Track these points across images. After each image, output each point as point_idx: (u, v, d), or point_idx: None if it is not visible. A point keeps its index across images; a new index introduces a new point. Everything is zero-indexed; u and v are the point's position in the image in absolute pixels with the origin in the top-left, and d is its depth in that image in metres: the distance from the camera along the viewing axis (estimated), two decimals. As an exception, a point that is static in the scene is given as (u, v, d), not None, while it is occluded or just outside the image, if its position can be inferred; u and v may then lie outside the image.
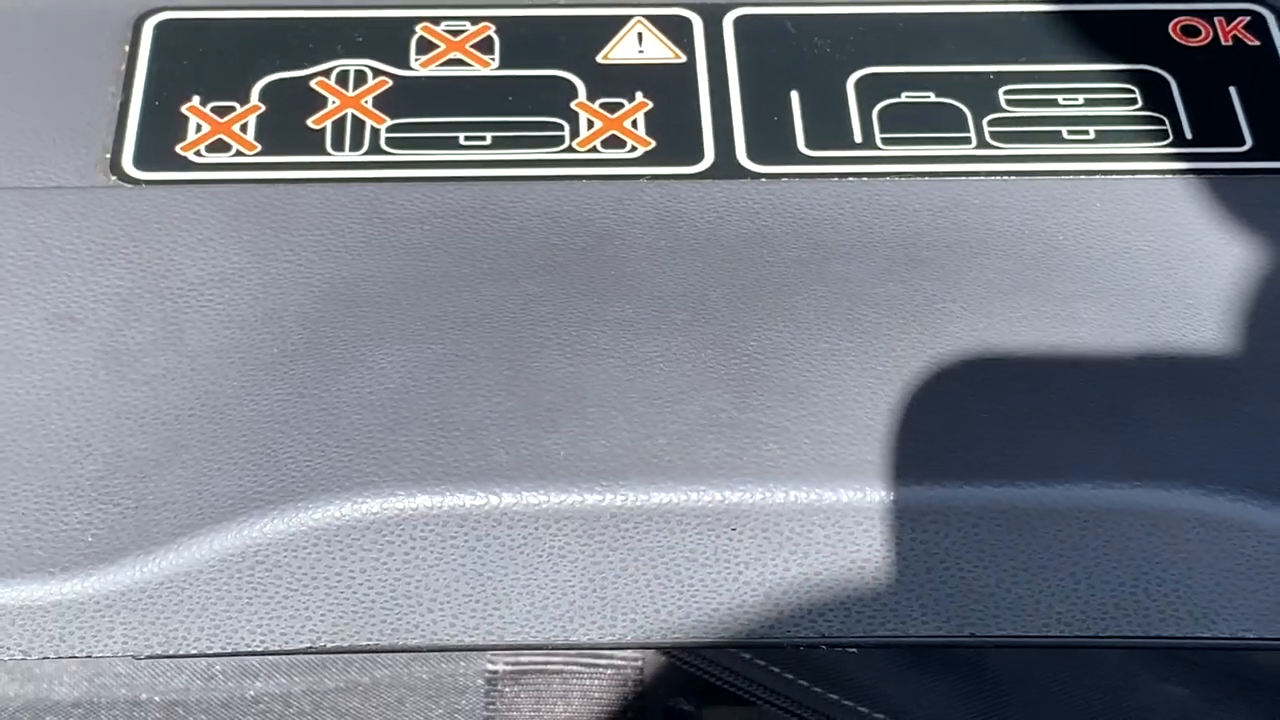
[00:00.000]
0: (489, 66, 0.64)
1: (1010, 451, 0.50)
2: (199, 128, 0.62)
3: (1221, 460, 0.51)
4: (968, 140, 0.62)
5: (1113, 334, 0.54)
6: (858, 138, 0.62)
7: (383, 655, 0.61)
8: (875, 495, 0.49)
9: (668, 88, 0.64)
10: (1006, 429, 0.51)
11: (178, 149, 0.61)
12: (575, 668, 0.61)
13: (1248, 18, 0.66)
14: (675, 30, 0.65)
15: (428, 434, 0.50)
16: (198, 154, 0.61)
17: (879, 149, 0.62)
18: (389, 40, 0.65)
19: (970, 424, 0.51)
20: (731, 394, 0.51)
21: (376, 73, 0.64)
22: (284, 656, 0.60)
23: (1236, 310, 0.55)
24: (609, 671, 0.61)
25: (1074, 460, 0.50)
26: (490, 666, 0.61)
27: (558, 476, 0.49)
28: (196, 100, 0.63)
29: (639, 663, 0.61)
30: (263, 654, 0.49)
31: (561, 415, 0.51)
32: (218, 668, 0.60)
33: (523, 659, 0.61)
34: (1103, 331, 0.54)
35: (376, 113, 0.62)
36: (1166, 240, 0.57)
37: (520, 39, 0.65)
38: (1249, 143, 0.62)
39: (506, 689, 0.61)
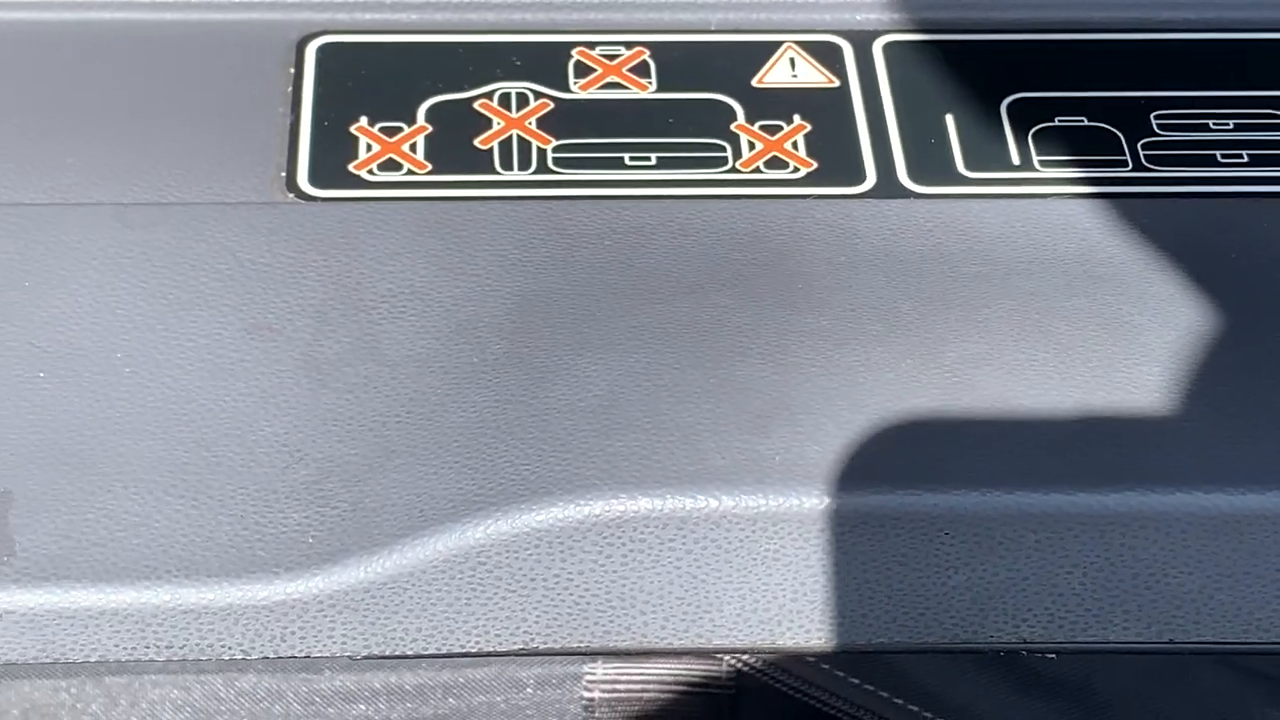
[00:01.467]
0: (647, 90, 0.65)
1: (1213, 457, 0.51)
2: (369, 147, 0.62)
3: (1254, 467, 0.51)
4: (1124, 164, 0.63)
5: (1169, 348, 0.55)
6: (1015, 160, 0.63)
7: (482, 681, 0.61)
8: (1083, 501, 0.50)
9: (824, 111, 0.65)
10: (1208, 435, 0.52)
11: (350, 168, 0.62)
12: (670, 693, 0.62)
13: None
14: (826, 55, 0.66)
15: (642, 439, 0.51)
16: (370, 172, 0.62)
17: (1037, 170, 0.63)
18: (547, 64, 0.65)
19: (1173, 431, 0.52)
20: (935, 403, 0.52)
21: (537, 95, 0.65)
22: (391, 680, 0.60)
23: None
24: (702, 699, 0.62)
25: (1237, 464, 0.51)
26: (586, 694, 0.62)
27: (776, 480, 0.50)
28: (364, 121, 0.63)
29: (732, 690, 0.61)
30: (477, 655, 0.50)
31: (772, 422, 0.51)
32: (322, 689, 0.60)
33: (619, 687, 0.62)
34: (1256, 341, 0.55)
35: (541, 133, 0.63)
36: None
37: (675, 63, 0.66)
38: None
39: (603, 715, 0.61)
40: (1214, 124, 0.64)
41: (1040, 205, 0.61)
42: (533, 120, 0.64)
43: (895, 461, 0.50)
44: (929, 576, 0.50)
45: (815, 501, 0.50)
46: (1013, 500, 0.50)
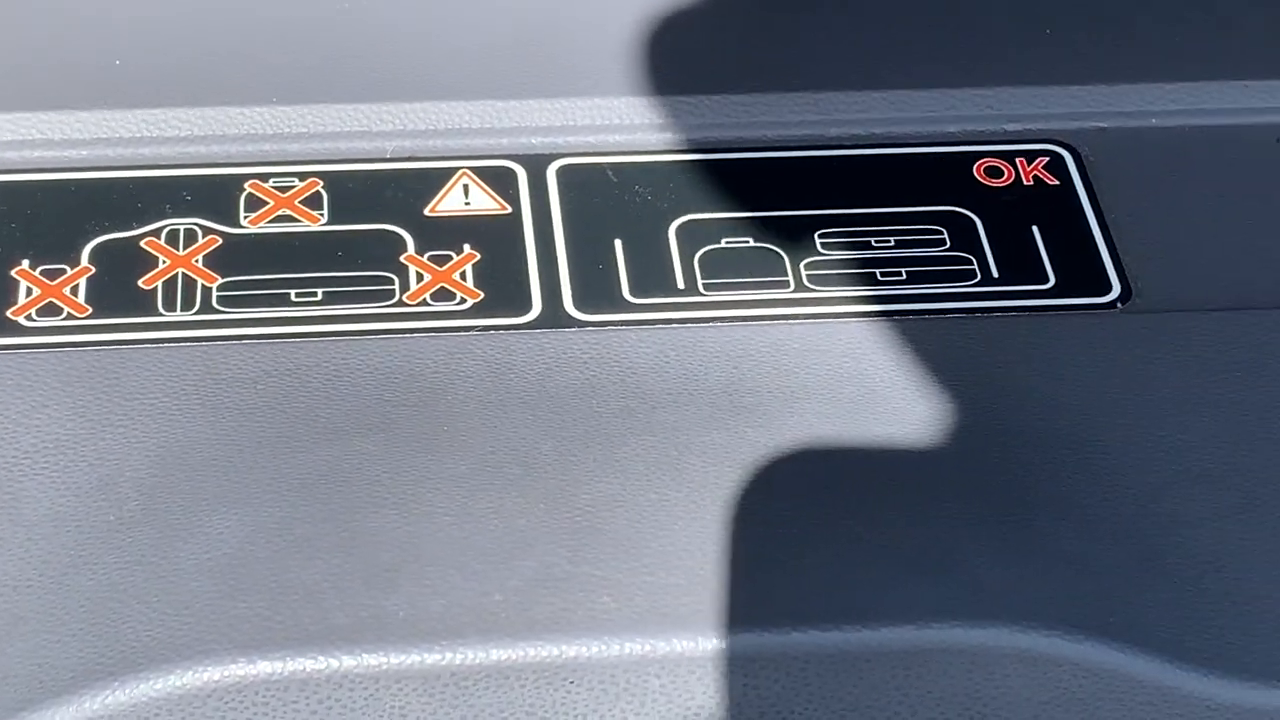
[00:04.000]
0: (318, 222, 0.65)
1: (837, 595, 0.52)
2: (29, 291, 0.62)
3: (1034, 597, 0.53)
4: (786, 284, 0.64)
5: (931, 473, 0.56)
6: (680, 284, 0.64)
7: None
8: (708, 644, 0.51)
9: (495, 239, 0.65)
10: (832, 573, 0.53)
11: (9, 314, 0.61)
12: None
13: (1047, 158, 0.69)
14: (500, 181, 0.67)
15: (266, 599, 0.51)
16: (29, 318, 0.61)
17: (701, 294, 0.64)
18: (217, 198, 0.66)
19: (797, 569, 0.53)
20: (564, 548, 0.53)
21: (206, 231, 0.65)
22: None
23: (1045, 446, 0.58)
24: None
25: (898, 602, 0.52)
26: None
27: (397, 637, 0.50)
28: (26, 264, 0.63)
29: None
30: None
31: (399, 575, 0.52)
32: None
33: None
34: (920, 471, 0.56)
35: (207, 271, 0.63)
36: (978, 378, 0.60)
37: (348, 194, 0.66)
38: (1051, 280, 0.65)
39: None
40: (876, 241, 0.66)
41: (698, 332, 0.62)
42: (199, 258, 0.64)
43: (517, 613, 0.51)
44: (557, 725, 0.51)
45: (436, 658, 0.50)
46: (637, 646, 0.51)
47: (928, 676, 0.52)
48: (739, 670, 0.51)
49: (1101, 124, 0.70)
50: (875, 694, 0.52)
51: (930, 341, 0.62)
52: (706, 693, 0.51)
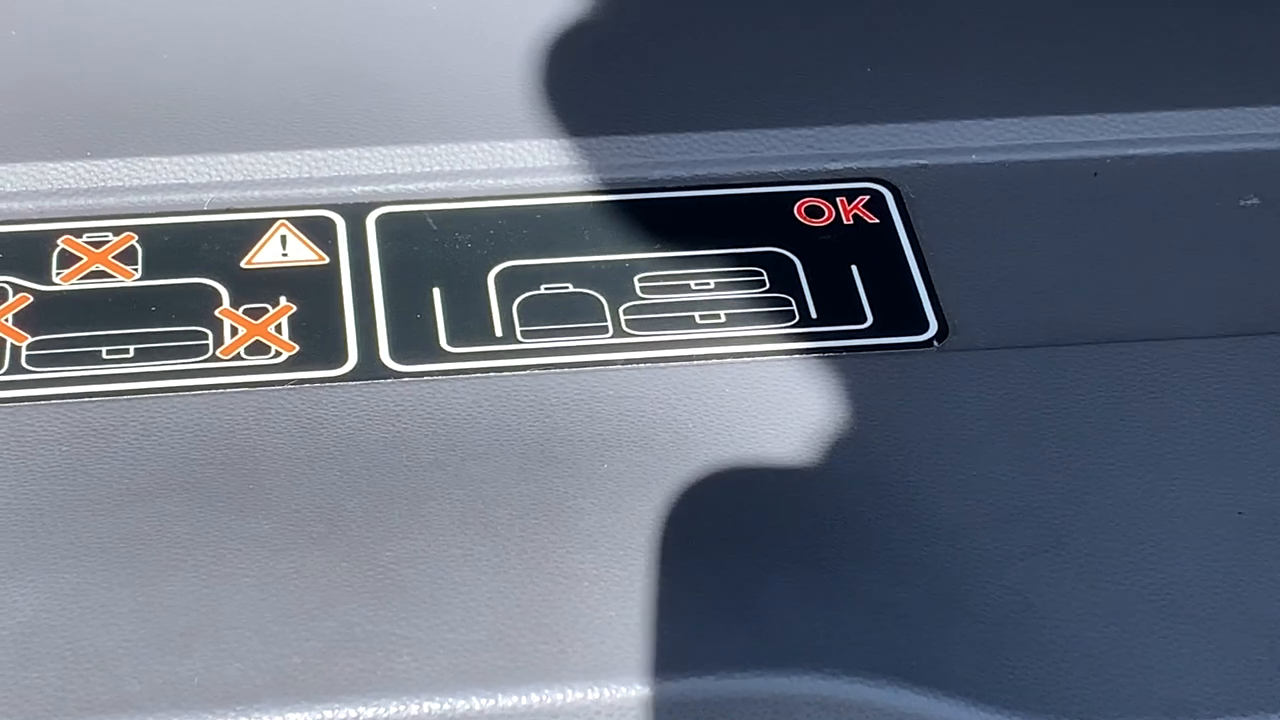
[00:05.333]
0: (132, 277, 0.65)
1: (639, 647, 0.52)
2: None
3: (837, 641, 0.53)
4: (605, 330, 0.64)
5: (735, 519, 0.56)
6: (498, 332, 0.64)
7: None
8: (507, 701, 0.51)
9: (312, 290, 0.65)
10: (635, 624, 0.53)
11: None
12: None
13: (868, 196, 0.69)
14: (319, 232, 0.67)
15: (59, 667, 0.50)
16: None
17: (519, 342, 0.63)
18: (29, 255, 0.65)
19: (600, 621, 0.53)
20: (366, 607, 0.53)
21: (17, 289, 0.64)
22: None
23: (854, 488, 0.58)
24: None
25: (699, 652, 0.52)
26: None
27: (191, 704, 0.50)
28: None
29: None
30: None
31: (195, 640, 0.51)
32: None
33: None
34: (726, 517, 0.56)
35: (17, 330, 0.63)
36: (791, 420, 0.60)
37: (164, 247, 0.66)
38: (869, 319, 0.65)
39: None
40: (695, 284, 0.66)
41: (512, 381, 0.61)
42: (9, 317, 0.63)
43: (315, 674, 0.50)
44: (361, 785, 0.51)
45: (231, 723, 0.49)
46: (436, 706, 0.50)
47: (730, 727, 0.52)
48: (538, 726, 0.51)
49: (922, 161, 0.70)
50: (679, 746, 0.52)
51: (745, 384, 0.62)
52: None
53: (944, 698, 0.53)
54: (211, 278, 0.65)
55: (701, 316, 0.65)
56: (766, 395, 0.62)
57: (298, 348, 0.63)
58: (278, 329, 0.64)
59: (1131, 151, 0.70)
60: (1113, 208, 0.69)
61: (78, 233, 0.66)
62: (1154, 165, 0.70)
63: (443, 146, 0.69)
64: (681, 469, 0.58)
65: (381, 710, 0.50)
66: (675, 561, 0.55)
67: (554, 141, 0.69)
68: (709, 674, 0.52)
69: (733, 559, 0.55)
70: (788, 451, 0.59)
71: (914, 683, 0.52)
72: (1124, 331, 0.64)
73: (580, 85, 0.71)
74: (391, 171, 0.68)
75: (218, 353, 0.63)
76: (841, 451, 0.59)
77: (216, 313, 0.64)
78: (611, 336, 0.64)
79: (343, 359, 0.63)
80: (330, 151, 0.68)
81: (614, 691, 0.51)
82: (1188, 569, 0.56)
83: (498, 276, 0.66)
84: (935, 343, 0.65)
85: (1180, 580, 0.56)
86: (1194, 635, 0.55)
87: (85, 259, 0.66)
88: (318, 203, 0.68)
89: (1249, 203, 0.69)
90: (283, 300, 0.65)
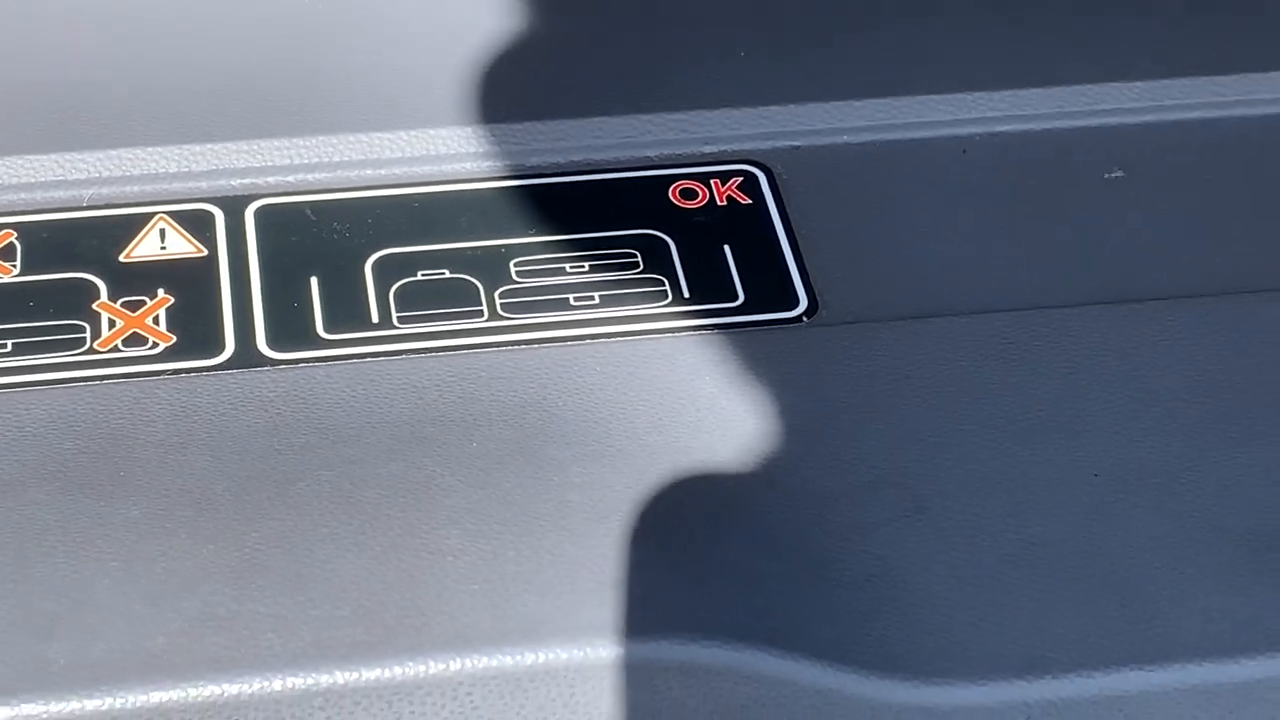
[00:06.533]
0: (10, 273, 0.65)
1: (502, 619, 0.53)
2: None
3: (699, 609, 0.54)
4: (480, 314, 0.65)
5: (602, 493, 0.57)
6: (375, 318, 0.65)
7: None
8: (371, 674, 0.51)
9: (190, 282, 0.66)
10: (497, 595, 0.54)
11: None
12: None
13: (741, 178, 0.70)
14: (197, 225, 0.67)
15: (-75, 654, 0.51)
16: None
17: (396, 328, 0.64)
18: (-92, 254, 0.65)
19: (463, 594, 0.54)
20: (231, 587, 0.53)
21: (-104, 287, 0.65)
22: None
23: (721, 460, 0.59)
24: None
25: (561, 622, 0.53)
26: None
27: (57, 685, 0.50)
28: None
29: None
30: None
31: (61, 622, 0.52)
32: None
33: None
34: (593, 492, 0.57)
35: (-105, 329, 0.63)
36: (660, 396, 0.61)
37: (42, 244, 0.66)
38: (741, 298, 0.66)
39: None
40: (570, 267, 0.67)
41: (386, 365, 0.62)
42: (-114, 316, 0.63)
43: (179, 653, 0.51)
44: (231, 762, 0.51)
45: (96, 703, 0.50)
46: (300, 681, 0.51)
47: (592, 694, 0.52)
48: (404, 698, 0.52)
49: (795, 143, 0.71)
50: (542, 714, 0.53)
51: (615, 363, 0.63)
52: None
53: (804, 661, 0.54)
54: (90, 272, 0.66)
55: (576, 299, 0.66)
56: (637, 373, 0.63)
57: (175, 338, 0.64)
58: (155, 320, 0.64)
59: (999, 129, 0.72)
60: (981, 184, 0.70)
61: (-44, 231, 0.67)
62: (1021, 141, 0.71)
63: (320, 138, 0.70)
64: (550, 446, 0.59)
65: (246, 687, 0.51)
66: (540, 535, 0.56)
67: (431, 131, 0.70)
68: (571, 643, 0.52)
69: (598, 531, 0.56)
70: (657, 427, 0.60)
71: (774, 646, 0.53)
72: (988, 303, 0.66)
73: (455, 75, 0.72)
74: (270, 164, 0.69)
75: (95, 345, 0.63)
76: (710, 425, 0.60)
77: (94, 306, 0.65)
78: (487, 320, 0.65)
79: (219, 348, 0.64)
80: (209, 146, 0.69)
81: (476, 662, 0.52)
82: (1044, 530, 0.58)
83: (375, 264, 0.67)
84: (805, 318, 0.66)
85: (1037, 541, 0.57)
86: (1049, 594, 0.56)
87: (-37, 257, 0.66)
88: (196, 196, 0.69)
89: (1114, 176, 0.70)
90: (160, 292, 0.66)
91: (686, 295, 0.66)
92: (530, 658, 0.52)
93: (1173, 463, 0.60)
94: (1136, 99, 0.72)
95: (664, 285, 0.67)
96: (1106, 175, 0.70)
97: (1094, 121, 0.71)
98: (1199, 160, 0.70)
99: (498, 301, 0.66)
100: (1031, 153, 0.71)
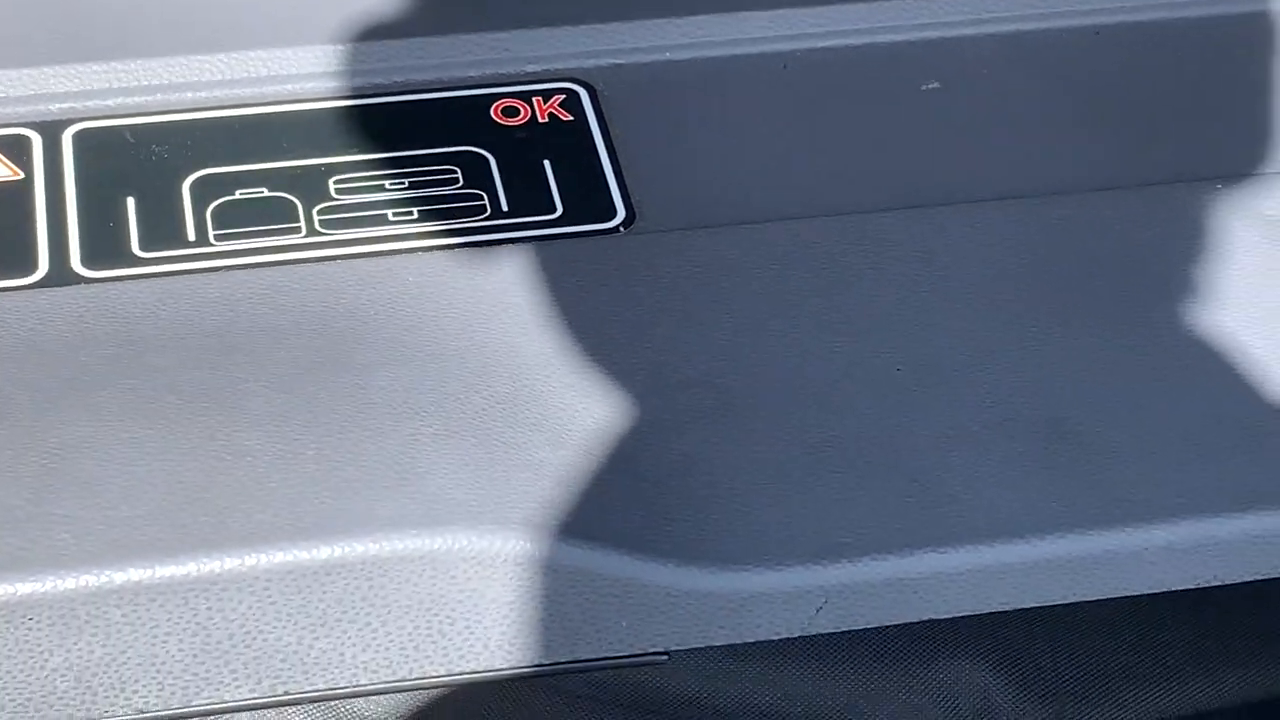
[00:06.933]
0: None
1: (298, 515, 0.53)
2: None
3: (496, 503, 0.54)
4: (298, 230, 0.65)
5: (406, 397, 0.57)
6: (191, 236, 0.65)
7: None
8: (166, 572, 0.52)
9: (4, 205, 0.65)
10: (296, 494, 0.54)
11: None
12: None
13: (564, 95, 0.71)
14: (14, 149, 0.67)
15: None
16: None
17: (212, 245, 0.64)
18: None
19: (262, 493, 0.54)
20: (27, 489, 0.53)
21: None
22: None
23: (534, 366, 0.59)
24: None
25: (357, 516, 0.53)
26: None
27: None
28: None
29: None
30: None
31: None
32: None
33: None
34: (396, 395, 0.57)
35: None
36: (472, 305, 0.61)
37: None
38: (559, 210, 0.67)
39: None
40: (390, 184, 0.67)
41: (199, 280, 0.62)
42: None
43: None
44: (26, 663, 0.51)
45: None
46: (93, 579, 0.51)
47: (390, 586, 0.53)
48: (202, 595, 0.52)
49: (618, 60, 0.72)
50: (342, 607, 0.53)
51: (429, 274, 0.63)
52: (170, 619, 0.52)
53: (603, 550, 0.54)
54: (-94, 195, 0.66)
55: (395, 214, 0.66)
56: (450, 283, 0.63)
57: (-10, 260, 0.64)
58: (-29, 243, 0.64)
59: (819, 44, 0.72)
60: (800, 99, 0.71)
61: None
62: (840, 57, 0.72)
63: (139, 62, 0.70)
64: (359, 353, 0.59)
65: (38, 585, 0.51)
66: (341, 436, 0.56)
67: (251, 54, 0.70)
68: (368, 537, 0.53)
69: (400, 431, 0.56)
70: (466, 332, 0.61)
71: (574, 537, 0.54)
72: (800, 211, 0.66)
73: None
74: (89, 89, 0.69)
75: (-94, 268, 0.63)
76: (520, 331, 0.61)
77: (-83, 231, 0.64)
78: (305, 237, 0.65)
79: (32, 268, 0.64)
80: (26, 70, 0.69)
81: (271, 558, 0.52)
82: (846, 424, 0.58)
83: (193, 185, 0.67)
84: (622, 229, 0.66)
85: (838, 434, 0.58)
86: (847, 484, 0.57)
87: None
88: (14, 121, 0.69)
89: (930, 87, 0.71)
90: (-23, 216, 0.65)
91: (505, 209, 0.67)
92: (325, 552, 0.53)
93: (972, 358, 0.61)
94: (950, 13, 0.73)
95: (483, 200, 0.67)
96: (923, 87, 0.71)
97: (911, 36, 0.72)
98: (1012, 72, 0.71)
99: (316, 218, 0.66)
100: (850, 68, 0.72)
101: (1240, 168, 0.68)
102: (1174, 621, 0.76)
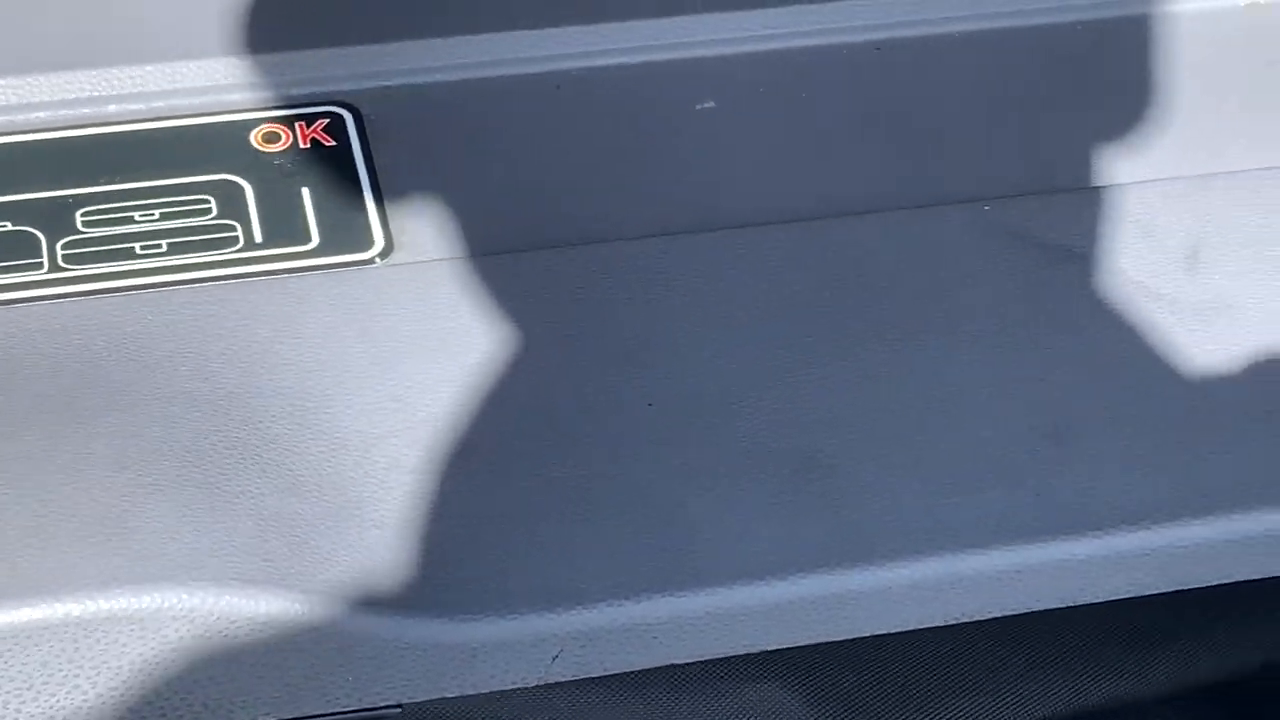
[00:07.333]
0: None
1: (6, 576, 0.51)
2: None
3: (212, 556, 0.52)
4: (40, 266, 0.63)
5: (129, 443, 0.55)
6: (-74, 275, 0.62)
7: None
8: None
9: None
10: (5, 551, 0.52)
11: None
12: None
13: (328, 119, 0.69)
14: None
15: None
16: None
17: (-53, 285, 0.62)
18: None
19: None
20: None
21: None
22: None
23: (263, 403, 0.57)
24: None
25: (64, 574, 0.51)
26: None
27: None
28: None
29: None
30: None
31: None
32: None
33: None
34: (119, 443, 0.55)
35: None
36: (209, 344, 0.59)
37: None
38: (315, 240, 0.64)
39: None
40: (140, 215, 0.65)
41: (-70, 322, 0.60)
42: None
43: None
44: None
45: None
46: None
47: (97, 648, 0.51)
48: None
49: (386, 82, 0.70)
50: (48, 670, 0.51)
51: (169, 312, 0.61)
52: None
53: (327, 602, 0.52)
54: None
55: (143, 247, 0.64)
56: (191, 321, 0.61)
57: None
58: None
59: (593, 64, 0.70)
60: (572, 120, 0.69)
61: None
62: (614, 76, 0.70)
63: (-120, 91, 0.67)
64: (87, 397, 0.57)
65: None
66: (56, 488, 0.54)
67: (31, 78, 0.68)
68: (69, 595, 0.50)
69: (118, 481, 0.54)
70: (201, 373, 0.58)
71: (298, 591, 0.52)
72: (566, 238, 0.65)
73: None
74: None
75: None
76: (259, 371, 0.59)
77: None
78: (47, 273, 0.63)
79: None
80: None
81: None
82: (593, 463, 0.57)
83: (-59, 220, 0.65)
84: (378, 259, 0.64)
85: (584, 475, 0.56)
86: (587, 527, 0.55)
87: None
88: None
89: (704, 107, 0.69)
90: None
91: (259, 240, 0.65)
92: (27, 614, 0.50)
93: (730, 389, 0.59)
94: (730, 30, 0.71)
95: (236, 230, 0.65)
96: (698, 106, 0.69)
97: (684, 54, 0.70)
98: (789, 90, 0.70)
99: (60, 253, 0.64)
100: (623, 87, 0.70)
101: (1013, 189, 0.67)
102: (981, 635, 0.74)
